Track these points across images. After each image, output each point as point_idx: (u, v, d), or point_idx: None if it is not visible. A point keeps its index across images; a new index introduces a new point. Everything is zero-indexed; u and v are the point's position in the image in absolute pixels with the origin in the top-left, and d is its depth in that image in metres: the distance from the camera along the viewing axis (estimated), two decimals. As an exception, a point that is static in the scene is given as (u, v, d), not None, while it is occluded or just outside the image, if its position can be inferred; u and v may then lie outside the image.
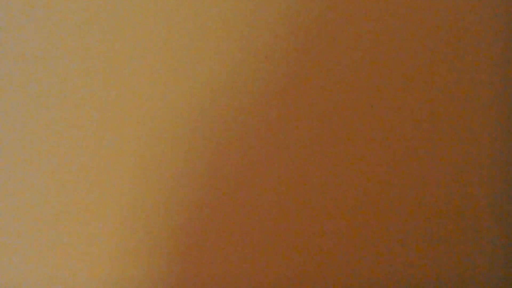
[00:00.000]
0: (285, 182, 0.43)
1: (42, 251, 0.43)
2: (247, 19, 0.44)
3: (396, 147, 0.44)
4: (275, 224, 0.43)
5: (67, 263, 0.43)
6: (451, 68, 0.44)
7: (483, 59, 0.45)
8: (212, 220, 0.43)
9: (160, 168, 0.43)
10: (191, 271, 0.43)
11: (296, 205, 0.43)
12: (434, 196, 0.43)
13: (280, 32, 0.45)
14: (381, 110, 0.44)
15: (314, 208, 0.43)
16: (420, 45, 0.45)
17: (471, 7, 0.45)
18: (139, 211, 0.43)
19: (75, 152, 0.44)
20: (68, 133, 0.44)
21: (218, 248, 0.43)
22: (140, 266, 0.43)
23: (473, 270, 0.43)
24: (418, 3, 0.45)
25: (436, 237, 0.43)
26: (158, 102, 0.44)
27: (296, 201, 0.43)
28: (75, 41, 0.45)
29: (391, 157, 0.44)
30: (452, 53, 0.45)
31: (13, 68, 0.44)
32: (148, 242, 0.43)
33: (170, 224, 0.43)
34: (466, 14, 0.45)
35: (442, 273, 0.43)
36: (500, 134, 0.44)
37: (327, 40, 0.45)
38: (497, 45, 0.45)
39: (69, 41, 0.45)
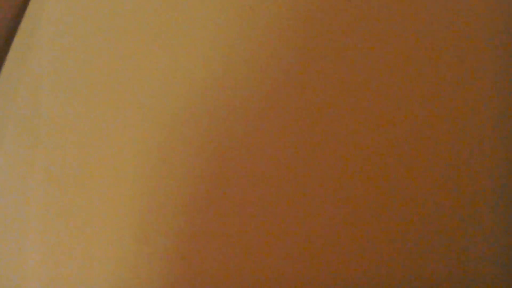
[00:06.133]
0: (287, 182, 0.43)
1: (50, 252, 0.43)
2: (250, 17, 0.45)
3: (396, 147, 0.44)
4: (278, 224, 0.43)
5: (73, 264, 0.43)
6: (451, 68, 0.45)
7: (483, 59, 0.45)
8: (215, 220, 0.43)
9: (164, 168, 0.44)
10: (196, 272, 0.43)
11: (298, 205, 0.43)
12: (434, 196, 0.43)
13: (280, 31, 0.45)
14: (381, 110, 0.44)
15: (314, 208, 0.43)
16: (420, 45, 0.45)
17: (471, 7, 0.45)
18: (144, 212, 0.43)
19: (78, 154, 0.44)
20: (74, 135, 0.44)
21: (222, 249, 0.43)
22: (144, 266, 0.43)
23: (473, 270, 0.43)
24: (418, 3, 0.45)
25: (436, 237, 0.43)
26: (161, 104, 0.44)
27: (298, 201, 0.43)
28: (72, 43, 0.45)
29: (391, 157, 0.44)
30: (452, 53, 0.45)
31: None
32: (152, 243, 0.43)
33: (175, 225, 0.43)
34: (466, 14, 0.45)
35: (442, 273, 0.43)
36: (500, 134, 0.44)
37: (327, 40, 0.45)
38: (497, 45, 0.45)
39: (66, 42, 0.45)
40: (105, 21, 0.45)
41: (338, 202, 0.43)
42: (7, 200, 0.44)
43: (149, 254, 0.43)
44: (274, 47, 0.44)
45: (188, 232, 0.43)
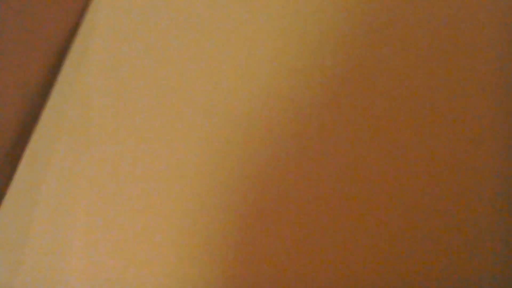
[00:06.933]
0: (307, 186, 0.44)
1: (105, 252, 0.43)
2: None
3: (396, 148, 0.44)
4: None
5: (117, 265, 0.43)
6: (451, 68, 0.45)
7: (483, 59, 0.45)
8: (277, 220, 0.43)
9: (214, 169, 0.44)
10: (259, 273, 0.43)
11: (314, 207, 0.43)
12: (434, 196, 0.43)
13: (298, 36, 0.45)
14: (381, 110, 0.44)
15: (316, 208, 0.43)
16: (421, 45, 0.45)
17: (471, 7, 0.45)
18: (191, 212, 0.43)
19: (128, 158, 0.44)
20: (125, 138, 0.44)
21: (284, 248, 0.43)
22: (197, 267, 0.43)
23: (473, 270, 0.43)
24: (418, 3, 0.45)
25: (436, 237, 0.43)
26: (215, 105, 0.44)
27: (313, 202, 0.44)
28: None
29: (391, 157, 0.44)
30: (452, 53, 0.45)
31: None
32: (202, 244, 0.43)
33: (224, 225, 0.43)
34: (466, 14, 0.45)
35: (442, 273, 0.43)
36: (500, 134, 0.44)
37: (329, 39, 0.45)
38: (497, 45, 0.45)
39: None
40: (158, 25, 0.45)
41: (341, 205, 0.43)
42: (57, 202, 0.44)
43: (196, 255, 0.43)
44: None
45: (247, 232, 0.43)
